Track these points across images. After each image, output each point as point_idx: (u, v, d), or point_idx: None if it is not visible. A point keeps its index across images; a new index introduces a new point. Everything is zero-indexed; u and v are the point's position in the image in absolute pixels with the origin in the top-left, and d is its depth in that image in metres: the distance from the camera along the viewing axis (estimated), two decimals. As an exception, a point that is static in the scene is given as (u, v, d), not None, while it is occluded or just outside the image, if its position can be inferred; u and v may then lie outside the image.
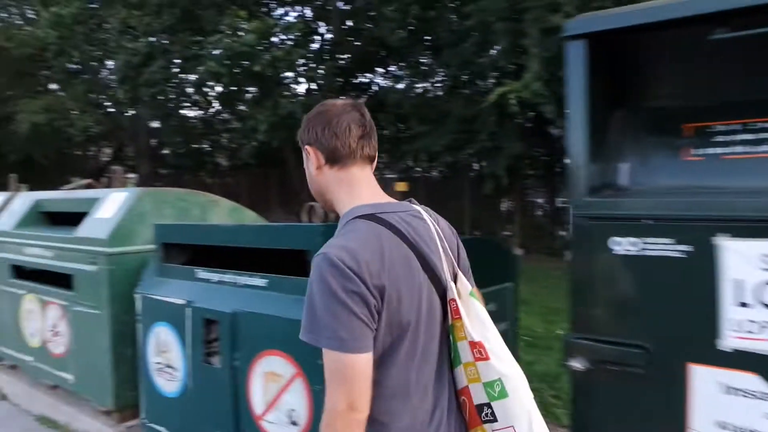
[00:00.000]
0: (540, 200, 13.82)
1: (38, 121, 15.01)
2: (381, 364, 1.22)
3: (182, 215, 3.96)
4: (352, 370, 1.15)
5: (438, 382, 1.29)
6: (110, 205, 3.82)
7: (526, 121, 11.20)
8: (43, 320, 4.24)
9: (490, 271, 2.87)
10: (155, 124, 19.77)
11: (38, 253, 4.24)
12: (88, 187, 4.61)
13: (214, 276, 2.96)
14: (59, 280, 4.05)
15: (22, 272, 4.53)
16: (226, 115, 19.88)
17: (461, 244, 1.45)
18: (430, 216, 1.38)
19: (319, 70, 12.10)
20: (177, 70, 13.37)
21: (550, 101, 7.74)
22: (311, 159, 1.36)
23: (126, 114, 18.03)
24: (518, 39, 7.87)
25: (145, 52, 12.30)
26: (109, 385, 3.59)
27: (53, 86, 19.51)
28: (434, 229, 1.34)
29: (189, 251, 3.36)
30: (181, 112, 19.26)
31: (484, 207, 13.42)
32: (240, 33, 10.73)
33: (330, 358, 1.16)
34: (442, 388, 1.30)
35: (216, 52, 10.36)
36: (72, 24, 13.05)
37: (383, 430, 1.23)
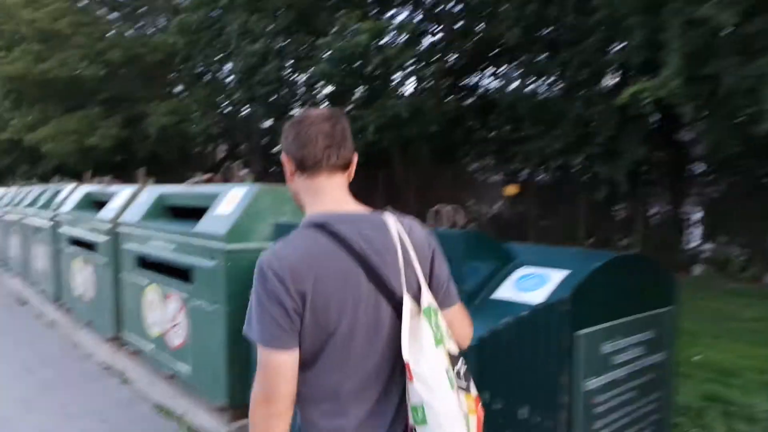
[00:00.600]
0: (661, 209, 12.76)
1: (166, 123, 16.12)
2: (309, 365, 1.30)
3: (300, 214, 3.87)
4: (268, 364, 1.25)
5: (384, 393, 1.32)
6: (229, 201, 3.82)
7: (651, 124, 10.34)
8: (164, 311, 4.35)
9: (647, 293, 2.49)
10: (267, 124, 20.69)
11: (161, 245, 4.35)
12: (209, 181, 4.69)
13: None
14: (180, 272, 4.12)
15: (146, 263, 4.69)
16: None
17: (437, 256, 1.42)
18: (403, 227, 1.37)
19: (426, 71, 11.89)
20: (290, 70, 13.78)
21: (689, 101, 7.02)
22: (285, 166, 1.46)
23: (241, 114, 18.93)
24: (654, 33, 7.20)
25: (261, 53, 12.75)
26: (223, 381, 3.58)
27: (179, 89, 20.92)
28: (398, 241, 1.33)
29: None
30: (292, 112, 20.00)
31: (599, 214, 12.61)
32: (351, 34, 10.82)
33: (258, 350, 1.27)
34: (389, 401, 1.33)
35: (328, 53, 10.47)
36: (198, 30, 13.83)
37: (312, 429, 1.32)
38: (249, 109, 17.68)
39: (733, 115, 7.66)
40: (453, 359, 1.34)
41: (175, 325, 4.23)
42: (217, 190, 4.09)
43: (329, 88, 18.19)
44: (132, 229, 4.82)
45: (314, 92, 18.49)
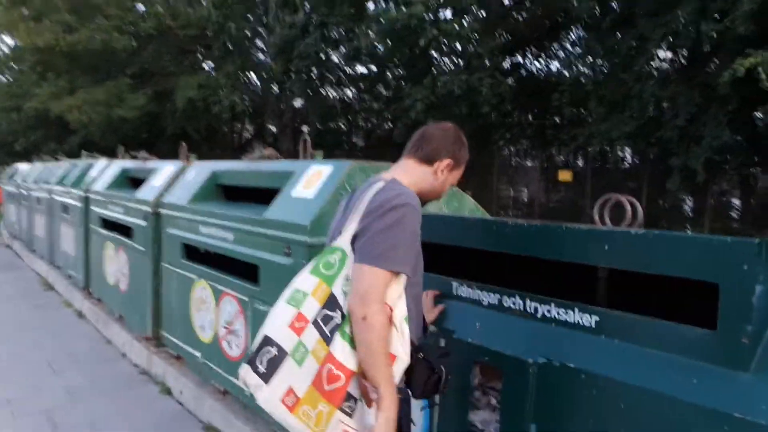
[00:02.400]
0: (735, 201, 11.69)
1: (193, 96, 15.32)
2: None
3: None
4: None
5: None
6: (309, 181, 2.99)
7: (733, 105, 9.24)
8: (218, 313, 3.56)
9: None
10: (298, 103, 19.87)
11: (216, 233, 3.55)
12: (271, 157, 3.87)
13: (488, 297, 1.97)
14: (240, 268, 3.33)
15: (196, 253, 3.91)
16: (366, 96, 19.57)
17: (369, 215, 1.55)
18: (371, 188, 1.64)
19: (482, 48, 10.89)
20: (330, 46, 12.87)
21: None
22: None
23: (273, 92, 18.10)
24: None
25: (301, 24, 11.87)
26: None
27: (209, 64, 20.15)
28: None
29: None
30: (324, 90, 19.13)
31: (665, 205, 11.59)
32: (404, 3, 9.88)
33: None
34: None
35: (377, 23, 9.54)
36: (233, 3, 12.97)
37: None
38: (279, 88, 16.86)
39: None
40: (329, 302, 1.51)
41: (231, 332, 3.44)
42: (291, 167, 3.26)
43: (364, 69, 17.33)
44: (178, 212, 4.04)
45: (351, 71, 17.63)
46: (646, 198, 11.62)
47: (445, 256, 2.33)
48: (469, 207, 3.43)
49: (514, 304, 1.88)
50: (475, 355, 1.85)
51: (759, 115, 10.25)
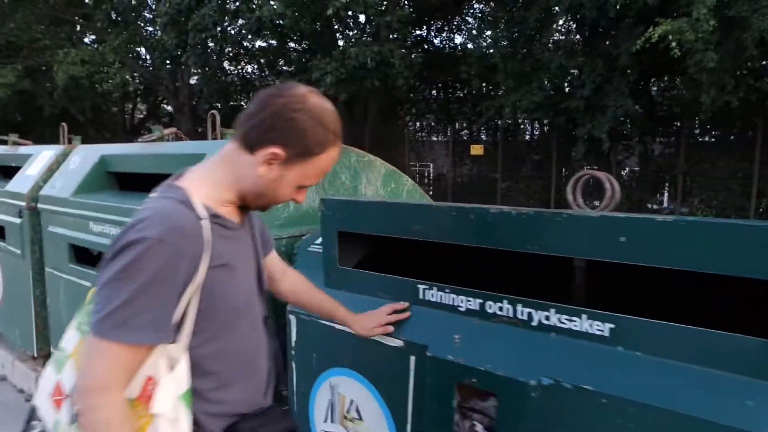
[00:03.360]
0: (635, 169, 12.22)
1: (75, 74, 13.77)
2: None
3: (327, 182, 2.62)
4: None
5: None
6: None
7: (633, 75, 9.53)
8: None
9: None
10: (194, 81, 18.61)
11: (111, 231, 2.96)
12: (176, 138, 3.29)
13: (466, 302, 1.61)
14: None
15: (87, 256, 3.28)
16: (267, 71, 18.77)
17: None
18: None
19: (391, 17, 10.48)
20: (229, 17, 11.93)
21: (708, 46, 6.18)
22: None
23: (166, 68, 16.75)
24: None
25: (197, -8, 10.89)
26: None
27: (91, 37, 18.33)
28: None
29: (365, 248, 2.04)
30: (222, 66, 18.05)
31: (569, 174, 11.89)
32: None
33: None
34: None
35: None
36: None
37: None
38: (173, 64, 15.60)
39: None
40: None
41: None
42: (202, 148, 2.73)
43: (263, 43, 16.44)
44: (61, 206, 3.37)
45: (250, 45, 16.67)
46: (554, 169, 11.89)
47: (403, 253, 1.96)
48: (407, 188, 3.07)
49: (501, 309, 1.54)
50: (456, 376, 1.50)
51: (654, 87, 10.72)
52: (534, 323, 1.48)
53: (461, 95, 18.55)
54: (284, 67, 17.08)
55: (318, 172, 1.19)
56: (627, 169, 11.85)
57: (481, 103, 11.62)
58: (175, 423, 1.09)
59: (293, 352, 2.01)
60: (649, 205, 11.53)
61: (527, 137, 15.12)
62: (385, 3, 10.58)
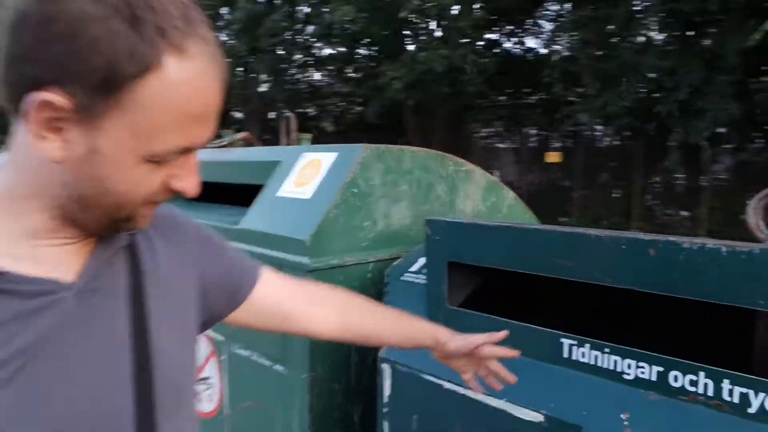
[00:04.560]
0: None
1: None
2: None
3: (422, 195, 2.23)
4: None
5: None
6: (306, 174, 2.14)
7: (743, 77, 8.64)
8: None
9: None
10: (263, 88, 18.79)
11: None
12: (247, 144, 3.00)
13: (635, 366, 1.17)
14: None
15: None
16: (329, 80, 18.83)
17: None
18: None
19: (464, 21, 10.04)
20: (299, 23, 11.87)
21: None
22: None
23: (237, 75, 16.97)
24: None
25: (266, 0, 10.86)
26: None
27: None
28: None
29: (478, 281, 1.63)
30: (291, 73, 18.14)
31: (661, 182, 11.05)
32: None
33: None
34: None
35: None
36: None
37: None
38: (244, 71, 15.75)
39: None
40: None
41: (202, 380, 2.59)
42: (276, 155, 2.40)
43: (332, 51, 16.35)
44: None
45: (319, 52, 16.65)
46: (641, 177, 11.06)
47: (531, 293, 1.53)
48: (508, 202, 2.63)
49: (695, 384, 1.08)
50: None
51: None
52: (753, 410, 1.02)
53: (532, 101, 17.84)
54: (352, 74, 16.97)
55: (167, 120, 0.59)
56: (721, 177, 10.85)
57: (559, 109, 10.94)
58: None
59: (385, 410, 1.61)
60: (743, 216, 10.48)
61: (605, 143, 14.27)
62: (458, 6, 10.15)
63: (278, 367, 2.03)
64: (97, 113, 0.57)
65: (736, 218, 9.96)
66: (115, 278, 0.70)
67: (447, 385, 1.40)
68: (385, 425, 1.62)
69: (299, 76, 19.60)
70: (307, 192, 2.07)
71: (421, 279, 1.82)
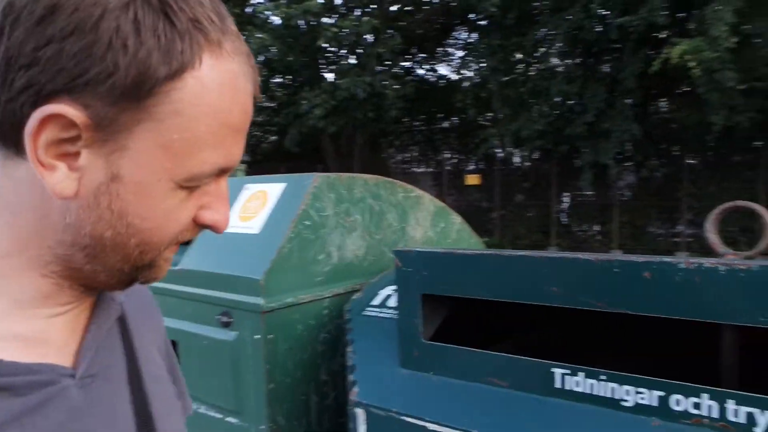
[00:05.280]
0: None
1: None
2: None
3: (374, 224, 2.15)
4: None
5: None
6: (250, 207, 2.00)
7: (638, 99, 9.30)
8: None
9: None
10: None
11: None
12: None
13: (633, 392, 1.13)
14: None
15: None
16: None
17: None
18: None
19: (383, 47, 10.21)
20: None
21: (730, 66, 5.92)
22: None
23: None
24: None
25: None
26: None
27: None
28: None
29: (448, 311, 1.57)
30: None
31: (573, 200, 11.59)
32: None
33: None
34: None
35: (273, 19, 8.53)
36: None
37: None
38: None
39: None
40: None
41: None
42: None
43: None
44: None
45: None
46: (555, 198, 11.57)
47: (510, 322, 1.48)
48: (456, 227, 2.61)
49: (698, 407, 1.06)
50: None
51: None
52: (760, 429, 1.00)
53: (446, 126, 18.40)
54: (268, 103, 16.79)
55: (206, 132, 0.47)
56: (627, 193, 11.57)
57: (476, 133, 11.32)
58: None
59: (361, 458, 1.49)
60: (651, 230, 11.23)
61: (518, 164, 14.89)
62: (374, 35, 10.32)
63: (231, 419, 1.85)
64: (121, 128, 0.44)
65: (642, 231, 10.63)
66: (113, 358, 0.56)
67: (432, 426, 1.31)
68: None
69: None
70: (254, 226, 1.93)
71: (386, 313, 1.74)
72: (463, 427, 1.26)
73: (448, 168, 17.07)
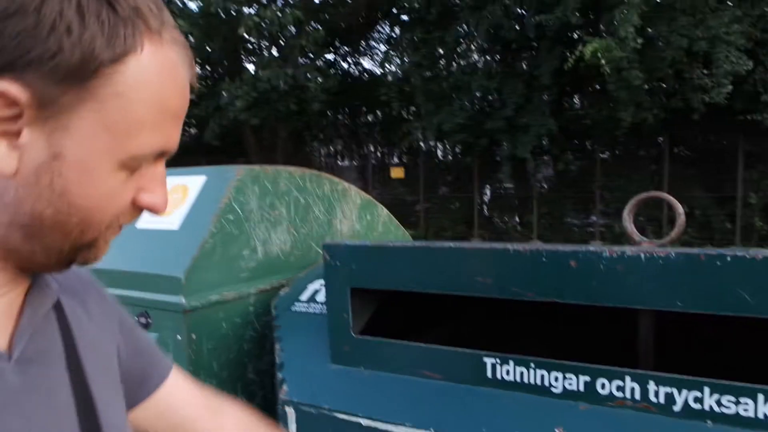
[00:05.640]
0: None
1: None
2: None
3: (300, 218, 2.10)
4: None
5: None
6: (173, 200, 1.90)
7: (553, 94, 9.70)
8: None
9: None
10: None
11: None
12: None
13: (561, 378, 1.16)
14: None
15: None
16: None
17: None
18: None
19: (306, 39, 10.06)
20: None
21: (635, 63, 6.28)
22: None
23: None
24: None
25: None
26: None
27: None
28: None
29: (378, 305, 1.56)
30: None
31: (495, 193, 11.94)
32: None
33: None
34: None
35: (190, 5, 8.20)
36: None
37: None
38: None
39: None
40: None
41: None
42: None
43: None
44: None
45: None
46: (477, 190, 11.87)
47: (440, 313, 1.49)
48: (383, 220, 2.60)
49: (621, 390, 1.10)
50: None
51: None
52: (677, 408, 1.05)
53: (370, 120, 18.47)
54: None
55: (147, 113, 0.49)
56: (545, 186, 12.06)
57: (400, 126, 11.42)
58: None
59: (292, 459, 1.45)
60: (568, 219, 11.77)
61: (441, 158, 15.17)
62: (297, 26, 10.15)
63: None
64: (64, 108, 0.45)
65: (559, 222, 11.12)
66: (50, 343, 0.55)
67: (365, 422, 1.29)
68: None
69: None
70: (174, 222, 1.83)
71: (314, 308, 1.70)
72: (396, 421, 1.25)
73: (373, 162, 17.15)
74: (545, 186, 11.76)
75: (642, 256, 1.05)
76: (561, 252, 1.12)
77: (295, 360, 1.54)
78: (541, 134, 9.18)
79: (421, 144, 12.20)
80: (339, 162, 19.50)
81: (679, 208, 1.49)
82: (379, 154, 18.02)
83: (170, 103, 0.50)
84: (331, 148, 19.97)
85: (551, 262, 1.13)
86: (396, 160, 16.78)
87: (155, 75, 0.48)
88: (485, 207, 12.23)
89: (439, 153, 14.92)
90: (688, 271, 1.02)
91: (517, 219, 11.72)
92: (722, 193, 9.73)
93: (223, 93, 9.87)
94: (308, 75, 9.66)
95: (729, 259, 0.99)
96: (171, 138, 0.52)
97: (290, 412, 1.44)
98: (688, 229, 9.97)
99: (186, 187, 1.92)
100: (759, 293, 0.97)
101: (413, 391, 1.30)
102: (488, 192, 12.50)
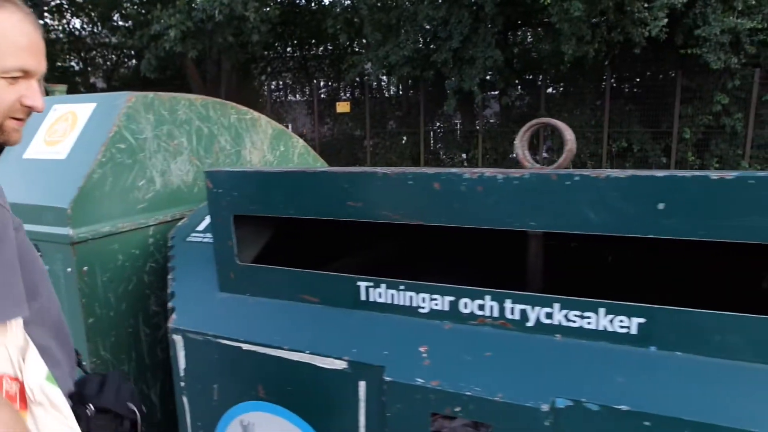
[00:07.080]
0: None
1: None
2: None
3: (203, 148, 2.04)
4: None
5: None
6: (58, 130, 1.81)
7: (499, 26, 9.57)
8: None
9: None
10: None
11: None
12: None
13: (428, 299, 1.19)
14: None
15: None
16: (99, 27, 17.00)
17: None
18: None
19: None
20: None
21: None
22: None
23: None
24: None
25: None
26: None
27: None
28: None
29: (265, 234, 1.55)
30: (43, 19, 15.71)
31: (442, 128, 11.92)
32: None
33: None
34: None
35: None
36: None
37: None
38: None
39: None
40: None
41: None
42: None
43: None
44: None
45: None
46: (422, 123, 11.81)
47: (321, 240, 1.49)
48: (298, 151, 2.56)
49: (482, 308, 1.14)
50: (430, 405, 1.08)
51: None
52: (530, 323, 1.10)
53: (319, 52, 17.90)
54: (120, 22, 15.29)
55: (9, 46, 0.87)
56: (490, 121, 12.10)
57: (346, 59, 11.12)
58: (53, 406, 0.91)
59: (182, 384, 1.46)
60: (513, 155, 11.90)
61: (390, 92, 14.96)
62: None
63: (48, 359, 1.73)
64: None
65: (505, 157, 11.25)
66: None
67: (246, 346, 1.31)
68: (184, 400, 1.48)
69: (54, 22, 17.05)
70: (61, 151, 1.75)
71: (209, 238, 1.68)
72: (275, 344, 1.27)
73: (323, 96, 16.75)
74: (491, 121, 11.79)
75: (498, 176, 1.06)
76: (425, 174, 1.12)
77: (185, 289, 1.53)
78: (487, 66, 9.11)
79: (369, 78, 11.94)
80: (290, 98, 18.97)
81: (567, 135, 1.50)
82: (327, 89, 17.58)
83: (22, 41, 0.87)
84: (280, 82, 19.37)
85: (417, 184, 1.14)
86: (346, 95, 16.44)
87: (9, 26, 0.85)
88: (432, 142, 12.23)
89: (392, 89, 14.70)
90: (541, 191, 1.05)
91: (464, 155, 11.78)
92: (659, 128, 9.99)
93: (155, 22, 9.30)
94: (246, 5, 9.18)
95: (577, 178, 1.01)
96: (27, 62, 0.88)
97: (178, 339, 1.44)
98: (625, 164, 10.26)
99: (75, 115, 1.82)
100: (602, 212, 1.00)
101: (293, 315, 1.32)
102: (435, 127, 12.47)
